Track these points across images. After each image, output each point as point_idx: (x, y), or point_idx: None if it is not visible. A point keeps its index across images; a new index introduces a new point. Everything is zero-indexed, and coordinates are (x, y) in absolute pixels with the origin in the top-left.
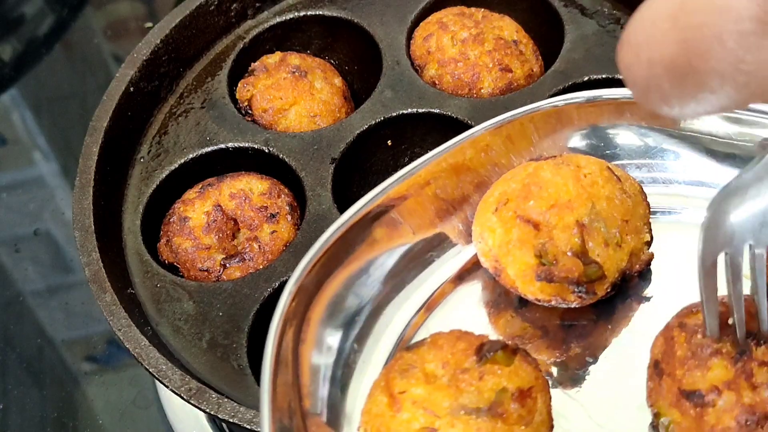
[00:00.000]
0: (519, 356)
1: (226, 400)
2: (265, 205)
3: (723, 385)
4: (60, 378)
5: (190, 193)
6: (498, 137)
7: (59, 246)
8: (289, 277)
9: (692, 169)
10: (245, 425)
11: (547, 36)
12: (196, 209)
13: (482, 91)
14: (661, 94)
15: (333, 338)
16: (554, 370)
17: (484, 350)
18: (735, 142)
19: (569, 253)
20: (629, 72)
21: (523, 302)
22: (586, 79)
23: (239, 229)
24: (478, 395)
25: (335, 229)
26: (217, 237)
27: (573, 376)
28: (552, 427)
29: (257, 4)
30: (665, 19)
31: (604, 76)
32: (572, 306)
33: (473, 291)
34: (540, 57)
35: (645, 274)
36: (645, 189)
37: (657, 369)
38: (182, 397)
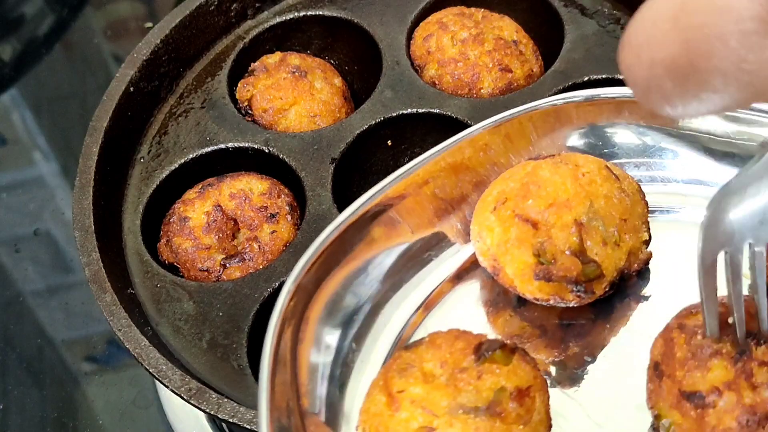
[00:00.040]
0: (517, 355)
1: (226, 400)
2: (265, 205)
3: (723, 386)
4: (60, 378)
5: (190, 193)
6: (496, 136)
7: (59, 246)
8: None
9: (691, 167)
10: (245, 425)
11: (547, 36)
12: (196, 209)
13: (482, 91)
14: (663, 94)
15: (331, 337)
16: (553, 370)
17: (482, 349)
18: (733, 141)
19: (568, 252)
20: (630, 72)
21: (521, 301)
22: (586, 79)
23: (239, 229)
24: (477, 394)
25: (333, 228)
26: (217, 237)
27: (571, 375)
28: (550, 426)
29: (257, 4)
30: (666, 19)
31: (604, 76)
32: (571, 305)
33: (472, 290)
34: (540, 57)
35: (643, 273)
36: (643, 188)
37: (657, 371)
38: (182, 397)
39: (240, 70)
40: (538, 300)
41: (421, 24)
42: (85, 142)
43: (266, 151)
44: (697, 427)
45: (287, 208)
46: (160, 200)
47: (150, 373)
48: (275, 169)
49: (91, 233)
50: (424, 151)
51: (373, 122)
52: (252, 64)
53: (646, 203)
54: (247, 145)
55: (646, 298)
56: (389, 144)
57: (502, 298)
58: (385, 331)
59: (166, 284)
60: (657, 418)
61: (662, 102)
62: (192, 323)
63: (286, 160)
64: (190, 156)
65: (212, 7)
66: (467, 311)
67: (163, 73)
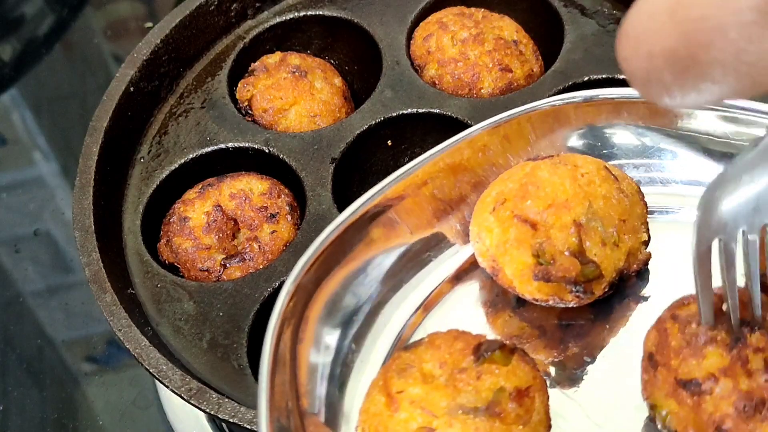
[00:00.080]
0: (517, 356)
1: (226, 400)
2: (265, 205)
3: (719, 372)
4: (60, 378)
5: (190, 193)
6: (495, 137)
7: (59, 246)
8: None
9: (689, 168)
10: (245, 425)
11: (547, 36)
12: (196, 209)
13: (482, 91)
14: (662, 86)
15: (331, 337)
16: (552, 370)
17: (481, 350)
18: (732, 142)
19: (567, 253)
20: (628, 64)
21: (520, 302)
22: (586, 79)
23: (239, 229)
24: (476, 395)
25: (333, 229)
26: (217, 237)
27: (571, 375)
28: (550, 426)
29: (257, 4)
30: (663, 11)
31: (604, 76)
32: (570, 306)
33: (471, 291)
34: (540, 57)
35: (642, 274)
36: (642, 188)
37: (651, 361)
38: (182, 398)
39: (240, 70)
40: (537, 300)
41: (421, 24)
42: (85, 142)
43: (266, 151)
44: (694, 415)
45: (287, 208)
46: (160, 200)
47: (150, 373)
48: (275, 169)
49: (91, 233)
50: (424, 151)
51: (373, 122)
52: (252, 64)
53: (645, 204)
54: (247, 145)
55: (645, 299)
56: (389, 144)
57: (501, 299)
58: (384, 332)
59: (166, 284)
60: (653, 408)
61: (661, 93)
62: (192, 323)
63: (286, 160)
64: (190, 156)
65: (212, 7)
66: (466, 312)
67: (163, 73)
